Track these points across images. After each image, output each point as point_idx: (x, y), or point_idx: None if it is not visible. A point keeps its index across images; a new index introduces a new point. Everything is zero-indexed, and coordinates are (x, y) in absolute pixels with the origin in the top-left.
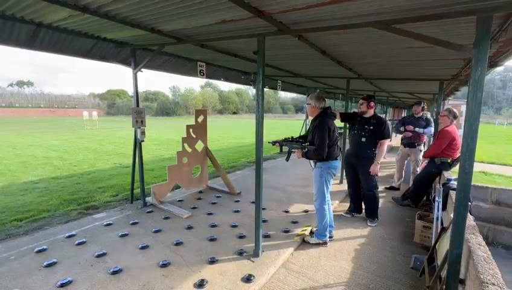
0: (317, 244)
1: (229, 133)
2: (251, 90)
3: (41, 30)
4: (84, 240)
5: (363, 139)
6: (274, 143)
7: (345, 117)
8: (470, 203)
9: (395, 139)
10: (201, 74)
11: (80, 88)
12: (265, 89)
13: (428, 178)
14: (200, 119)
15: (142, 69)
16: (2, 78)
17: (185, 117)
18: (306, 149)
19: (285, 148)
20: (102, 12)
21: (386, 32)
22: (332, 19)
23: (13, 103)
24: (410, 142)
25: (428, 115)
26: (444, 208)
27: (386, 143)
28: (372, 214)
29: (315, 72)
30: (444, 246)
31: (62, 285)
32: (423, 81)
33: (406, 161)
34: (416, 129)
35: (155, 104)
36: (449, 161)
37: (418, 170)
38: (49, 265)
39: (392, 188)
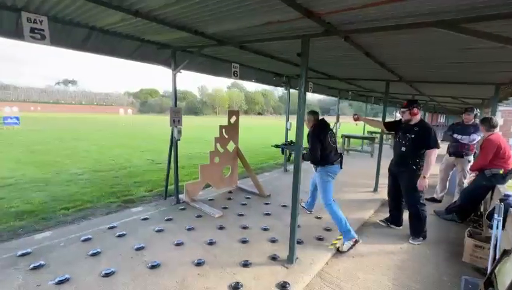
0: (351, 248)
1: (254, 134)
2: (277, 91)
3: (93, 33)
4: (124, 232)
5: (403, 149)
6: (277, 146)
7: (390, 126)
8: None
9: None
10: (235, 75)
11: (115, 86)
12: (291, 91)
13: (479, 191)
14: (233, 119)
15: (181, 70)
16: (51, 78)
17: (211, 116)
18: (305, 151)
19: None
20: (151, 16)
21: (441, 33)
22: (386, 19)
23: (59, 100)
24: (457, 151)
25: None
26: (503, 227)
27: (433, 153)
28: (416, 232)
29: (351, 74)
30: (507, 272)
31: (106, 275)
32: (472, 85)
33: (451, 172)
34: (455, 136)
35: (184, 103)
36: (501, 172)
37: (465, 182)
38: (94, 254)
39: (433, 200)
